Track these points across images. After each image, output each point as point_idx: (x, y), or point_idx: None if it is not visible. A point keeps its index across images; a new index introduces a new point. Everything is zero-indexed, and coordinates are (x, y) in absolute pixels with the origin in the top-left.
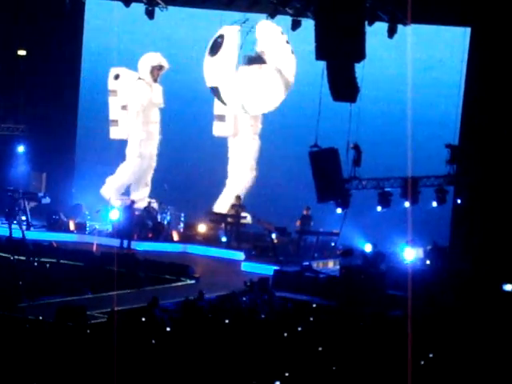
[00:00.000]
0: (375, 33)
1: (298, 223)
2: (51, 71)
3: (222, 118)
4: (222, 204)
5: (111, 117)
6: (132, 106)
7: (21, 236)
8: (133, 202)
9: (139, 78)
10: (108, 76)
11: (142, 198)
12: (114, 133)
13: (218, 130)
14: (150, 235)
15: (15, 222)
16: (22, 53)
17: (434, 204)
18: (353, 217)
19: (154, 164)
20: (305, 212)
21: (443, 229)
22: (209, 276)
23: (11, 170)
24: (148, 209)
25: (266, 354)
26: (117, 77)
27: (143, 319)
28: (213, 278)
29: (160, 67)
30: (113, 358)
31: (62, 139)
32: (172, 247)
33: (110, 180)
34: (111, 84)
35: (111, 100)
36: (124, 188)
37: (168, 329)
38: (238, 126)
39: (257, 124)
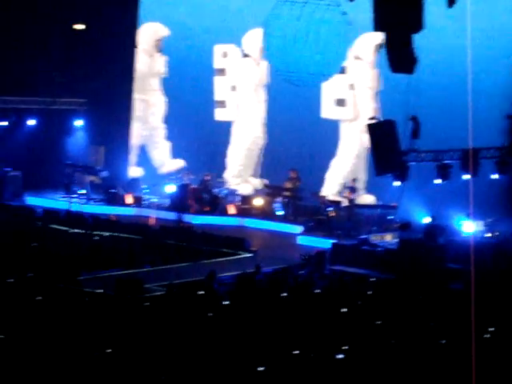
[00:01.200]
0: (434, 2)
1: (346, 194)
2: (108, 45)
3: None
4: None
5: (217, 97)
6: (242, 86)
7: (79, 209)
8: (185, 175)
9: (245, 56)
10: (213, 54)
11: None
12: (221, 114)
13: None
14: (207, 209)
15: (74, 195)
16: (79, 27)
17: (495, 176)
18: (411, 190)
19: (262, 143)
20: (351, 184)
21: (505, 200)
22: (265, 249)
23: (70, 145)
24: (204, 182)
25: (325, 328)
26: (225, 55)
27: (201, 292)
28: (269, 251)
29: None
30: (170, 330)
31: (119, 113)
32: (228, 221)
33: (229, 164)
34: (218, 62)
35: (218, 80)
36: (242, 169)
37: (225, 302)
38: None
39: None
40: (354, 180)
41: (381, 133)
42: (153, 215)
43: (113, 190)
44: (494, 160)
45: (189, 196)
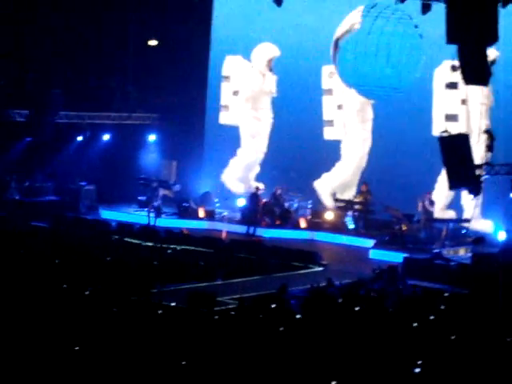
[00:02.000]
0: (509, 14)
1: (426, 206)
2: (181, 60)
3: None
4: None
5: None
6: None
7: (153, 223)
8: (257, 189)
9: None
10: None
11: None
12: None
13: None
14: (278, 222)
15: (148, 209)
16: (153, 43)
17: None
18: (485, 204)
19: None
20: (422, 204)
21: None
22: (337, 263)
23: (143, 159)
24: (275, 196)
25: (398, 342)
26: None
27: (273, 306)
28: (341, 265)
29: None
30: (243, 344)
31: (191, 127)
32: (299, 234)
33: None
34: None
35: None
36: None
37: (298, 316)
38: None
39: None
40: (430, 192)
41: (453, 146)
42: (224, 229)
43: (185, 204)
44: None
45: (260, 209)
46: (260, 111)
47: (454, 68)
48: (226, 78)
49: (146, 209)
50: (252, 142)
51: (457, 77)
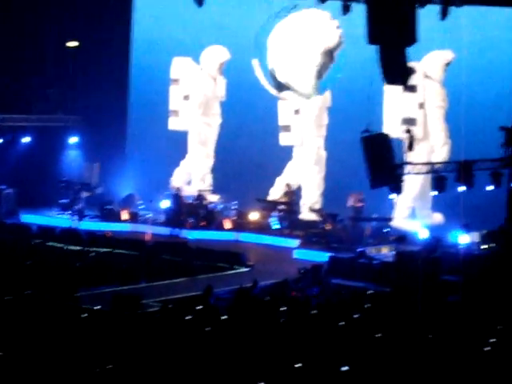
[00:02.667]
0: (427, 15)
1: (350, 202)
2: (102, 62)
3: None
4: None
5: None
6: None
7: (76, 226)
8: (179, 190)
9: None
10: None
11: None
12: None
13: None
14: (203, 223)
15: (70, 212)
16: (72, 44)
17: (490, 188)
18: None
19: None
20: (351, 202)
21: (499, 212)
22: (262, 264)
23: (65, 162)
24: (200, 197)
25: (324, 341)
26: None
27: (198, 307)
28: (266, 265)
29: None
30: (169, 345)
31: (113, 129)
32: (224, 235)
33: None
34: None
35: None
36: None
37: (224, 317)
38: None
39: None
40: (360, 192)
41: (374, 145)
42: (148, 231)
43: (108, 207)
44: (488, 172)
45: (184, 211)
46: (211, 116)
47: (411, 70)
48: (175, 81)
49: (68, 212)
50: (201, 148)
51: (415, 79)
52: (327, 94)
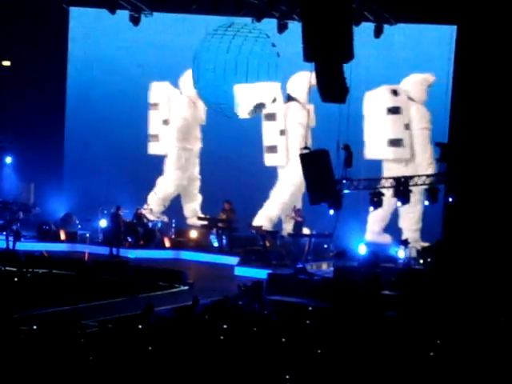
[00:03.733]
0: (362, 33)
1: (293, 215)
2: (37, 81)
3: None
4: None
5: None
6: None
7: (11, 247)
8: (118, 209)
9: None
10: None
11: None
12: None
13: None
14: (142, 242)
15: (7, 232)
16: (6, 63)
17: (426, 203)
18: (345, 218)
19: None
20: (293, 214)
21: (436, 227)
22: (202, 281)
23: (0, 181)
24: (138, 216)
25: (266, 358)
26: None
27: (139, 326)
28: (207, 283)
29: None
30: (109, 366)
31: (49, 148)
32: (164, 254)
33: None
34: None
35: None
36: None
37: (164, 336)
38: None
39: None
40: (295, 207)
41: (314, 162)
42: (87, 250)
43: (46, 227)
44: (424, 187)
45: (122, 230)
46: (192, 140)
47: (394, 92)
48: (154, 105)
49: (4, 233)
50: (178, 172)
51: (398, 101)
52: (311, 113)
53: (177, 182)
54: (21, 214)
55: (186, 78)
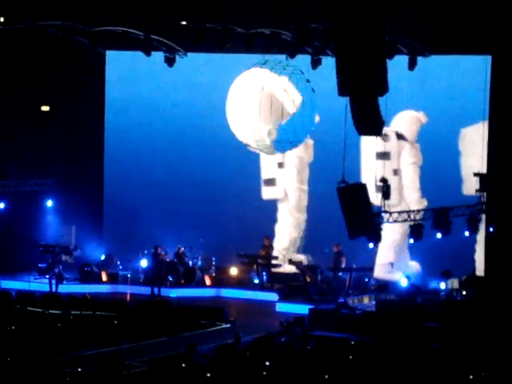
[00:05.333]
0: (397, 65)
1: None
2: (75, 125)
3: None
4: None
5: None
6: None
7: (54, 289)
8: (157, 248)
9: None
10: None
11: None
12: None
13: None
14: (182, 281)
15: (49, 276)
16: (45, 108)
17: (467, 233)
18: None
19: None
20: (335, 249)
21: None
22: (244, 318)
23: (41, 225)
24: (179, 254)
25: None
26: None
27: (183, 365)
28: (248, 320)
29: None
30: None
31: (89, 191)
32: (205, 292)
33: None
34: (386, 147)
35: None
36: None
37: (208, 374)
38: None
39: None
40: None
41: (351, 196)
42: (128, 291)
43: (87, 269)
44: (465, 217)
45: (163, 269)
46: (304, 180)
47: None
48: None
49: (46, 276)
50: (300, 216)
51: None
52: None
53: (302, 225)
54: (62, 256)
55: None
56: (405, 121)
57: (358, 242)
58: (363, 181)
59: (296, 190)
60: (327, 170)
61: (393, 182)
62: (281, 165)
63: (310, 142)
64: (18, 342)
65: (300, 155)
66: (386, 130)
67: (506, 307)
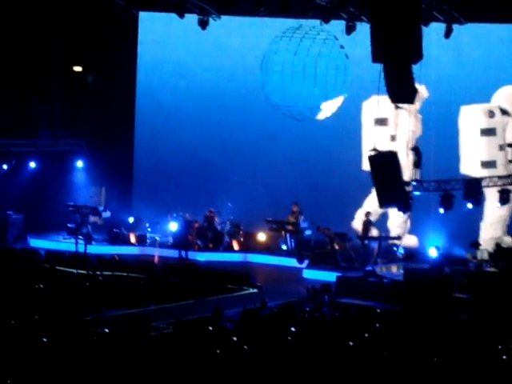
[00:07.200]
0: (432, 33)
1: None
2: (107, 86)
3: None
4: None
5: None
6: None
7: (84, 250)
8: (187, 215)
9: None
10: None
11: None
12: None
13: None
14: (211, 245)
15: (78, 236)
16: (77, 69)
17: (498, 205)
18: (415, 220)
19: None
20: (364, 218)
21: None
22: (271, 284)
23: (71, 185)
24: (207, 219)
25: (334, 361)
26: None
27: (209, 328)
28: (275, 286)
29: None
30: (179, 368)
31: (119, 153)
32: (232, 257)
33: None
34: (380, 112)
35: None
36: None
37: (234, 338)
38: None
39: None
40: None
41: (383, 164)
42: (156, 253)
43: (116, 230)
44: (496, 189)
45: (192, 233)
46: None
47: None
48: (381, 121)
49: (75, 236)
50: None
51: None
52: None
53: None
54: (91, 217)
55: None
56: (505, 96)
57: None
58: (463, 154)
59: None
60: (358, 137)
61: (498, 157)
62: (393, 138)
63: (419, 116)
64: (46, 301)
65: (413, 129)
66: (490, 106)
67: None
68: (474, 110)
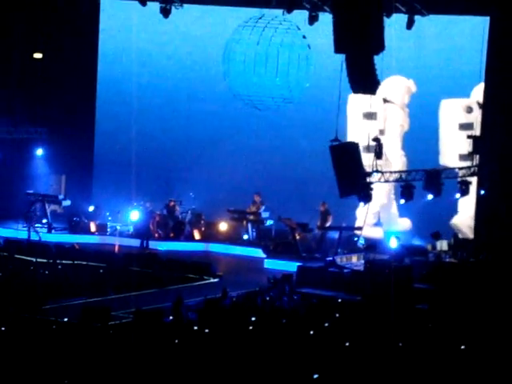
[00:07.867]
0: (394, 24)
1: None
2: (68, 73)
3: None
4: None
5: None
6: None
7: (38, 239)
8: (147, 205)
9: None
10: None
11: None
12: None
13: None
14: (172, 235)
15: (35, 225)
16: (38, 56)
17: (458, 196)
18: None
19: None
20: (321, 208)
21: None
22: (232, 274)
23: (31, 174)
24: (168, 208)
25: (294, 351)
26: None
27: (170, 318)
28: (236, 275)
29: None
30: (139, 357)
31: (80, 141)
32: (194, 246)
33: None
34: (369, 106)
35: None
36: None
37: (195, 327)
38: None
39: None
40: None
41: (344, 154)
42: (117, 242)
43: (76, 219)
44: (456, 180)
45: (153, 222)
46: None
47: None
48: (370, 115)
49: (35, 224)
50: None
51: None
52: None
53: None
54: (51, 205)
55: (394, 86)
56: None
57: (349, 201)
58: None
59: (401, 157)
60: (320, 128)
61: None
62: (381, 132)
63: (407, 110)
64: (4, 290)
65: (402, 123)
66: (469, 102)
67: (495, 269)
68: (454, 105)
